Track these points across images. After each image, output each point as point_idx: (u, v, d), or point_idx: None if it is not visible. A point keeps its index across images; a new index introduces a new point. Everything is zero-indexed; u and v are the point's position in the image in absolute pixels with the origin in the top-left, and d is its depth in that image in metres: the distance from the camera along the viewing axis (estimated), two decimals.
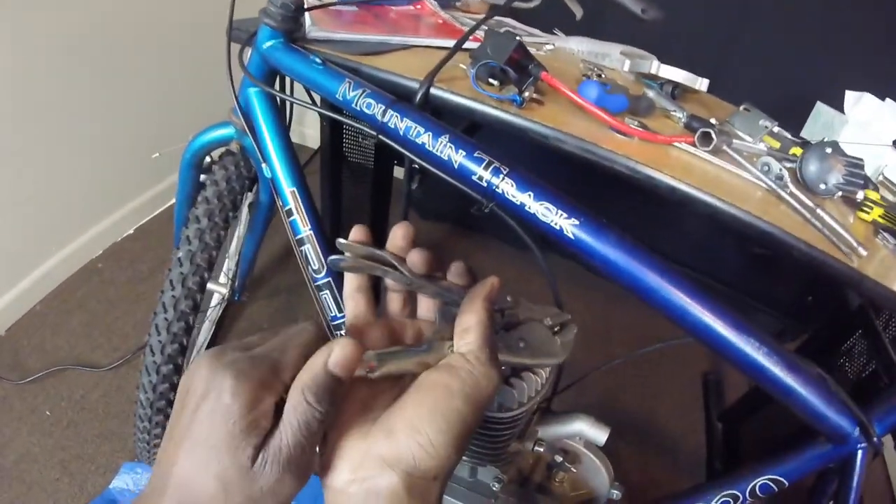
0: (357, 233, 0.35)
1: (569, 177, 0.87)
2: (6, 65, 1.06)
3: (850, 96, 0.95)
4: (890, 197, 0.92)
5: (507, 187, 0.44)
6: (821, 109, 1.02)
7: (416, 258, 0.33)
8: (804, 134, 1.02)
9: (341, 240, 0.34)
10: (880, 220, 0.73)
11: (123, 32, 1.30)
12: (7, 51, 1.05)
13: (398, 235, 0.35)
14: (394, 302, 0.36)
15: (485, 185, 0.45)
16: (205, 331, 1.09)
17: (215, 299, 1.06)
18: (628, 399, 1.36)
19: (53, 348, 1.19)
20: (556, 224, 0.43)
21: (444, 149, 0.46)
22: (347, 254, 0.35)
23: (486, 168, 0.45)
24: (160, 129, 1.49)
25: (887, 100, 0.91)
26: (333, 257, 0.34)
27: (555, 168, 0.73)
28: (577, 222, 0.43)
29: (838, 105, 0.94)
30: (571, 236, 0.43)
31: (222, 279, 1.02)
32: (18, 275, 1.25)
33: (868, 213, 0.73)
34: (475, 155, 0.45)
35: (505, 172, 0.44)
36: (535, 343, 0.37)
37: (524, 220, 0.44)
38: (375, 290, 0.36)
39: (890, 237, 0.70)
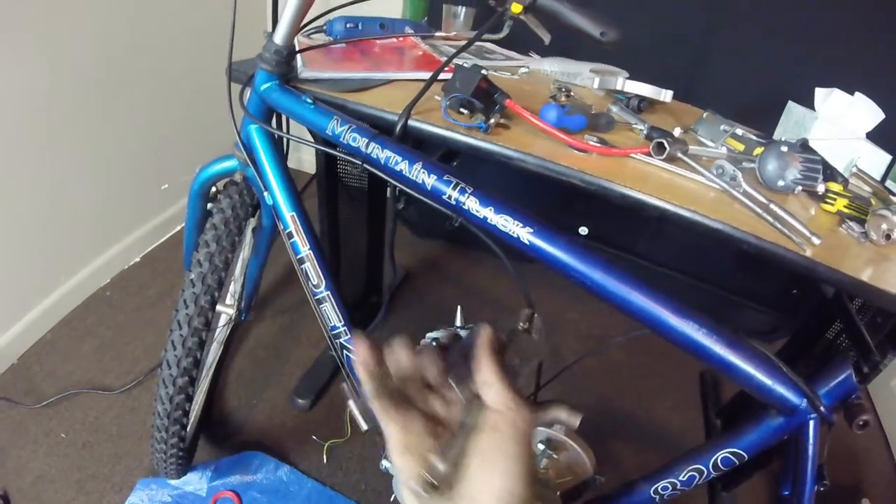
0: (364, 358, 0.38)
1: (570, 193, 0.97)
2: (14, 98, 1.18)
3: (819, 93, 1.03)
4: (865, 188, 1.02)
5: (472, 204, 0.55)
6: (792, 108, 1.11)
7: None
8: (778, 133, 1.12)
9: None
10: (845, 209, 0.82)
11: (131, 69, 1.45)
12: (15, 84, 1.17)
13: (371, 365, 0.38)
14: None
15: (453, 202, 0.56)
16: (213, 351, 1.19)
17: (222, 320, 1.17)
18: (627, 400, 1.46)
19: (66, 373, 1.30)
20: (514, 233, 0.54)
21: (419, 174, 0.57)
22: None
23: (453, 188, 0.56)
24: (164, 161, 1.64)
25: (857, 94, 0.99)
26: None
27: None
28: (531, 230, 0.54)
29: (811, 102, 1.02)
30: (527, 242, 0.54)
31: (229, 300, 1.13)
32: (29, 304, 1.37)
33: (832, 204, 0.82)
34: (444, 178, 0.57)
35: (469, 191, 0.55)
36: (525, 352, 0.47)
37: (488, 230, 0.55)
38: None
39: (855, 225, 0.79)
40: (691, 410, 1.44)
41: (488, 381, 0.36)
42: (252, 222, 0.92)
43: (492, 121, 0.66)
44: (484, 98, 0.68)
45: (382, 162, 0.60)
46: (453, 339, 0.42)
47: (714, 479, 0.75)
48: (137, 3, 1.41)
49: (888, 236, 0.75)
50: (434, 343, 0.46)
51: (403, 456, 0.36)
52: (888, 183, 1.06)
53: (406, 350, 0.38)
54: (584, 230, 1.43)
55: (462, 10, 1.06)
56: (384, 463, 0.86)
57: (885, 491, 1.38)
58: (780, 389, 0.61)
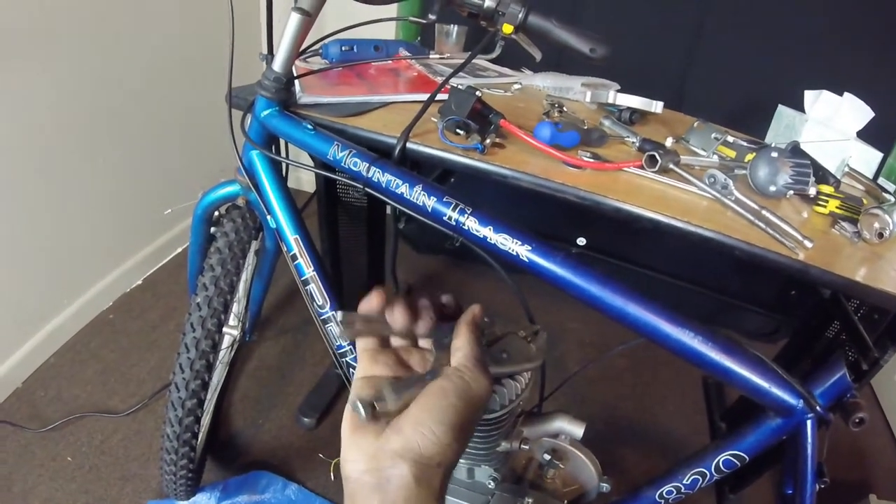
0: (364, 304, 0.42)
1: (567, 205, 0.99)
2: (16, 124, 1.21)
3: (808, 95, 1.06)
4: (858, 186, 1.05)
5: (472, 224, 0.58)
6: (782, 112, 1.14)
7: (398, 316, 0.42)
8: (769, 137, 1.15)
9: (339, 314, 0.43)
10: (838, 210, 0.84)
11: (133, 94, 1.49)
12: (17, 110, 1.21)
13: (373, 306, 0.42)
14: (397, 339, 0.45)
15: (454, 223, 0.59)
16: (218, 372, 1.22)
17: (226, 341, 1.19)
18: (631, 407, 1.48)
19: (71, 397, 1.32)
20: (513, 250, 0.57)
21: (420, 196, 0.61)
22: (346, 328, 0.42)
23: (453, 210, 0.59)
24: (166, 186, 1.68)
25: (845, 94, 1.02)
26: (341, 332, 0.44)
27: None
28: (529, 248, 0.57)
29: (801, 105, 1.05)
30: (526, 259, 0.57)
31: (232, 321, 1.15)
32: (32, 328, 1.39)
33: (824, 206, 0.85)
34: (444, 200, 0.60)
35: (469, 212, 0.58)
36: (515, 352, 0.50)
37: (488, 249, 0.58)
38: None
39: (848, 226, 0.82)
40: (696, 415, 1.46)
41: (460, 345, 0.39)
42: (255, 245, 0.95)
43: (487, 141, 0.70)
44: (479, 119, 0.71)
45: (384, 185, 0.63)
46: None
47: (721, 482, 0.77)
48: (140, 30, 1.45)
49: (881, 234, 0.78)
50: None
51: (361, 381, 0.39)
52: (880, 180, 1.09)
53: (404, 311, 0.42)
54: (581, 240, 1.47)
55: (454, 29, 1.10)
56: None
57: (893, 485, 1.40)
58: (777, 391, 0.63)
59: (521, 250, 0.57)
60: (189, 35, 1.62)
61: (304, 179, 2.28)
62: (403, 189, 0.62)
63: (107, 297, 1.59)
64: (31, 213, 1.31)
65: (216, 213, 0.93)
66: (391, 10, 1.29)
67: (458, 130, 0.71)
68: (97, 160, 1.45)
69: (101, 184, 1.49)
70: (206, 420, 1.19)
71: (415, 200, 0.61)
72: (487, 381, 0.38)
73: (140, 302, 1.63)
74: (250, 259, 0.99)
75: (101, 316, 1.56)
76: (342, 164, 0.67)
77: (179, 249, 1.84)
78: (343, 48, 0.97)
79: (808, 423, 0.65)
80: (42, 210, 1.34)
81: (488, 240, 0.58)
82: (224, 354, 1.20)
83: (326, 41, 0.96)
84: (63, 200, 1.39)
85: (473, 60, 1.12)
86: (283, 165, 0.84)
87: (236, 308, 1.13)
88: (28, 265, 1.35)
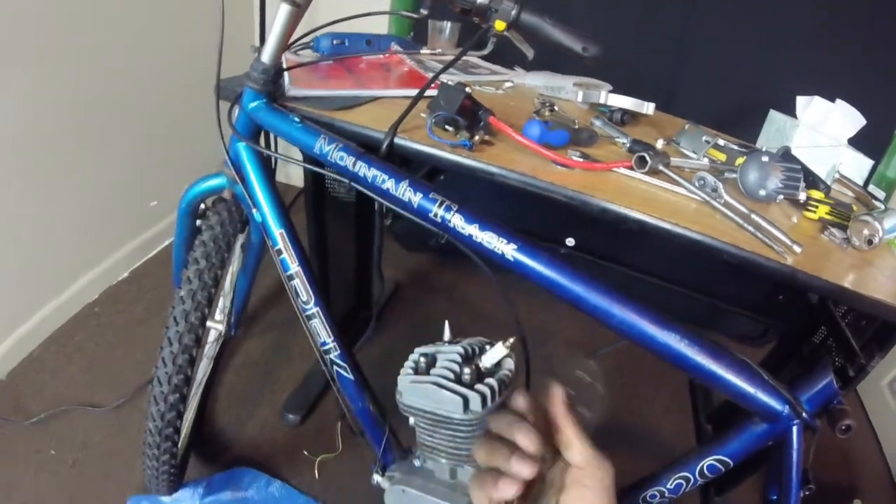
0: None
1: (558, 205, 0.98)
2: (3, 115, 1.18)
3: (800, 101, 1.06)
4: (848, 193, 1.05)
5: (458, 221, 0.57)
6: (773, 117, 1.14)
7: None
8: (760, 141, 1.15)
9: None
10: (827, 216, 0.84)
11: (120, 86, 1.46)
12: (4, 101, 1.18)
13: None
14: None
15: (439, 220, 0.58)
16: (203, 367, 1.20)
17: (212, 336, 1.18)
18: (619, 408, 1.47)
19: (55, 391, 1.30)
20: (498, 249, 0.56)
21: (405, 192, 0.59)
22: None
23: (439, 206, 0.58)
24: (153, 178, 1.65)
25: (837, 101, 1.02)
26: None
27: None
28: (515, 247, 0.55)
29: (792, 110, 1.05)
30: (511, 258, 0.56)
31: (218, 316, 1.14)
32: (16, 321, 1.36)
33: (814, 211, 0.84)
34: (430, 196, 0.58)
35: (455, 209, 0.57)
36: (592, 404, 0.49)
37: (473, 247, 0.57)
38: None
39: (837, 232, 0.81)
40: (682, 416, 1.46)
41: (570, 440, 0.39)
42: (241, 238, 0.93)
43: (476, 138, 0.68)
44: (468, 115, 0.70)
45: (369, 180, 0.62)
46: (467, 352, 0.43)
47: (707, 483, 0.76)
48: (127, 23, 1.42)
49: (870, 241, 0.77)
50: (423, 358, 0.47)
51: None
52: (870, 188, 1.09)
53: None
54: (570, 241, 1.45)
55: (448, 26, 1.08)
56: (375, 478, 0.87)
57: (877, 491, 1.40)
58: (763, 397, 0.62)
59: (506, 249, 0.56)
60: (180, 25, 1.59)
61: (294, 174, 2.25)
62: (389, 185, 0.60)
63: (92, 289, 1.56)
64: (14, 204, 1.29)
65: (202, 206, 0.91)
66: (384, 3, 1.27)
67: (446, 126, 0.70)
68: (83, 151, 1.42)
69: (87, 175, 1.46)
70: (189, 415, 1.17)
71: (401, 196, 0.60)
72: (607, 460, 0.38)
73: (126, 295, 1.60)
74: (236, 253, 0.97)
75: (86, 309, 1.53)
76: (328, 158, 0.66)
77: (166, 242, 1.81)
78: (335, 42, 0.95)
79: (794, 429, 0.65)
80: (26, 202, 1.31)
81: (474, 238, 0.56)
82: (209, 349, 1.18)
83: (318, 34, 0.94)
84: (48, 192, 1.36)
85: (466, 58, 1.11)
86: (271, 159, 0.82)
87: (222, 302, 1.12)
88: (12, 257, 1.32)
